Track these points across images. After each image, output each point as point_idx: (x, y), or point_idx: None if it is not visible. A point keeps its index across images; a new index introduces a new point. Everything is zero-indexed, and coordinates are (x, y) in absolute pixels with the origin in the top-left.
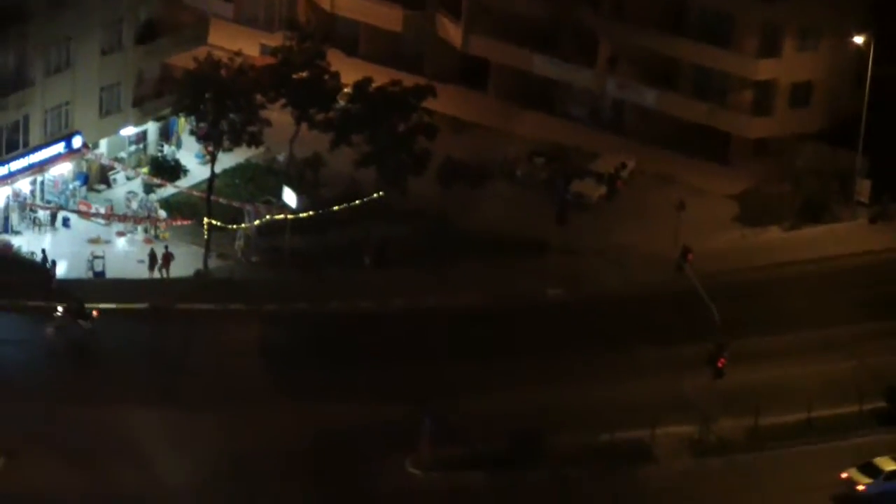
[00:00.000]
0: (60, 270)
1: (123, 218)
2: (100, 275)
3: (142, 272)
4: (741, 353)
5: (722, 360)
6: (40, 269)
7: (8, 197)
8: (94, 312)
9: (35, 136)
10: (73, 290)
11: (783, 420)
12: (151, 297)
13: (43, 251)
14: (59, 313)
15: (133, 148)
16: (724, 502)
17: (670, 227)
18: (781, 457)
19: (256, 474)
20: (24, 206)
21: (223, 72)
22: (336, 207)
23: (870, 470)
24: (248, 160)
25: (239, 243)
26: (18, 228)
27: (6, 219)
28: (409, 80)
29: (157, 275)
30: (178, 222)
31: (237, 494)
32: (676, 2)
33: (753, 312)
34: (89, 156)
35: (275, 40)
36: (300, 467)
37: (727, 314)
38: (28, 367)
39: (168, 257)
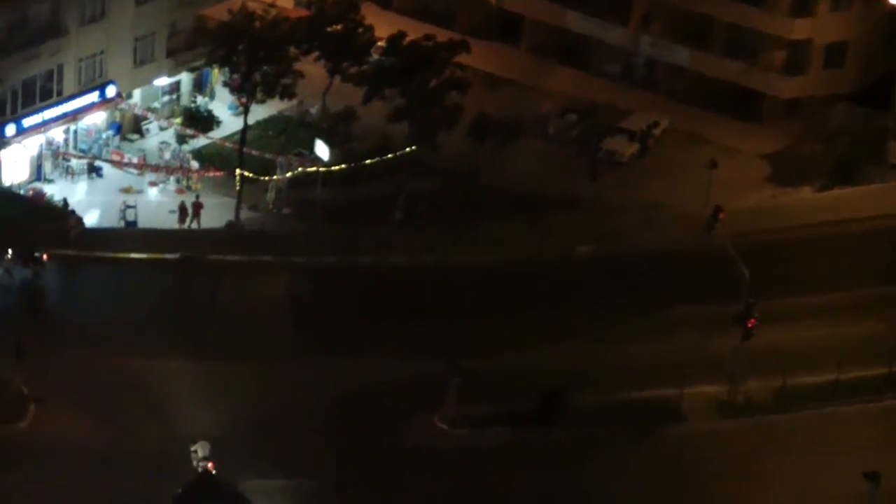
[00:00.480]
0: (92, 220)
1: (156, 168)
2: (131, 224)
3: (173, 222)
4: (771, 314)
5: (751, 320)
6: (62, 218)
7: (41, 145)
8: (44, 256)
9: (69, 85)
10: (26, 234)
11: (812, 381)
12: (183, 247)
13: (64, 200)
14: (8, 256)
15: (166, 98)
16: (752, 462)
17: (702, 185)
18: (810, 418)
19: (282, 428)
20: (57, 155)
21: (257, 24)
22: (368, 161)
23: None
24: (280, 112)
25: (270, 195)
26: (51, 177)
27: (39, 167)
28: (442, 34)
29: (188, 225)
30: (211, 173)
31: (262, 447)
32: None
33: (784, 273)
34: (122, 105)
35: None
36: (326, 421)
37: (757, 274)
38: (56, 315)
39: (198, 206)
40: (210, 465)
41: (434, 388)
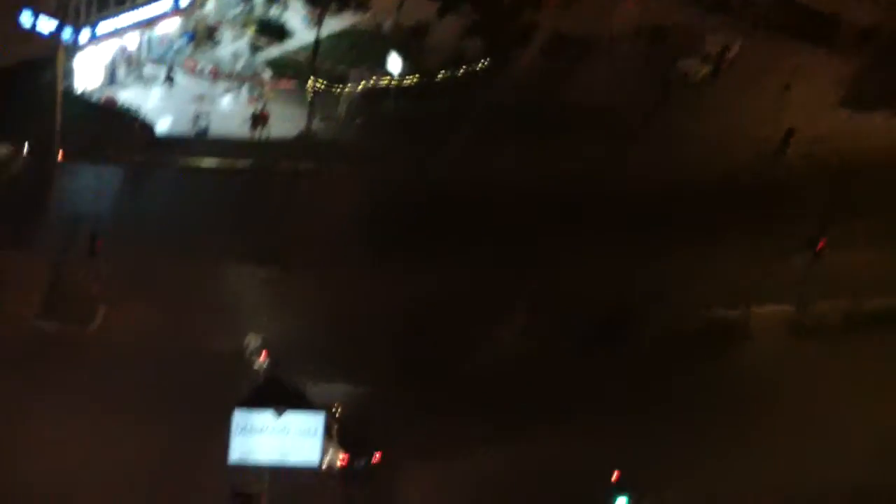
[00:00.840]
0: (164, 127)
1: (229, 77)
2: (203, 133)
3: (245, 132)
4: (841, 236)
5: (822, 242)
6: (134, 125)
7: (115, 52)
8: (60, 155)
9: None
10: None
11: (881, 304)
12: (254, 156)
13: (128, 108)
14: (25, 152)
15: (240, 8)
16: (819, 383)
17: (774, 108)
18: (878, 341)
19: (349, 335)
20: (131, 62)
21: None
22: (440, 75)
23: None
24: (353, 26)
25: (342, 107)
26: (125, 84)
27: (113, 74)
28: None
29: (257, 135)
30: (283, 83)
31: (328, 353)
32: None
33: (855, 196)
34: (197, 14)
35: None
36: (393, 330)
37: (829, 197)
38: (127, 220)
39: (265, 116)
40: (263, 354)
41: (504, 300)
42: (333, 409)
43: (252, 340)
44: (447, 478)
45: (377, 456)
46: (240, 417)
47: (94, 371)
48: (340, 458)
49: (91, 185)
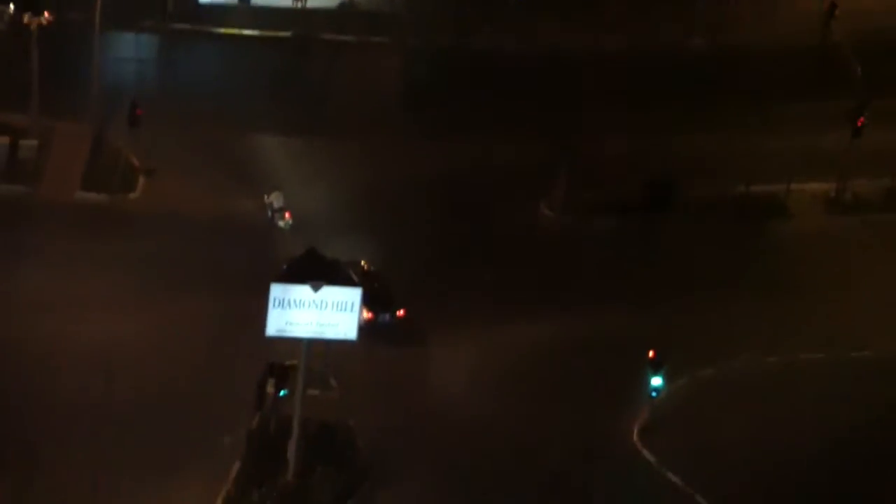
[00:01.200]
0: None
1: None
2: (245, 1)
3: (287, 1)
4: (882, 113)
5: (861, 118)
6: None
7: None
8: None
9: None
10: None
11: None
12: (296, 26)
13: None
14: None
15: None
16: (857, 259)
17: None
18: None
19: (391, 204)
20: None
21: None
22: None
23: None
24: None
25: None
26: None
27: None
28: None
29: (301, 4)
30: None
31: (369, 222)
32: None
33: None
34: None
35: None
36: (435, 200)
37: (870, 72)
38: (168, 89)
39: None
40: (287, 214)
41: (543, 174)
42: (360, 265)
43: (275, 199)
44: (484, 347)
45: (401, 312)
46: (277, 291)
47: (137, 239)
48: (366, 314)
49: (132, 54)
